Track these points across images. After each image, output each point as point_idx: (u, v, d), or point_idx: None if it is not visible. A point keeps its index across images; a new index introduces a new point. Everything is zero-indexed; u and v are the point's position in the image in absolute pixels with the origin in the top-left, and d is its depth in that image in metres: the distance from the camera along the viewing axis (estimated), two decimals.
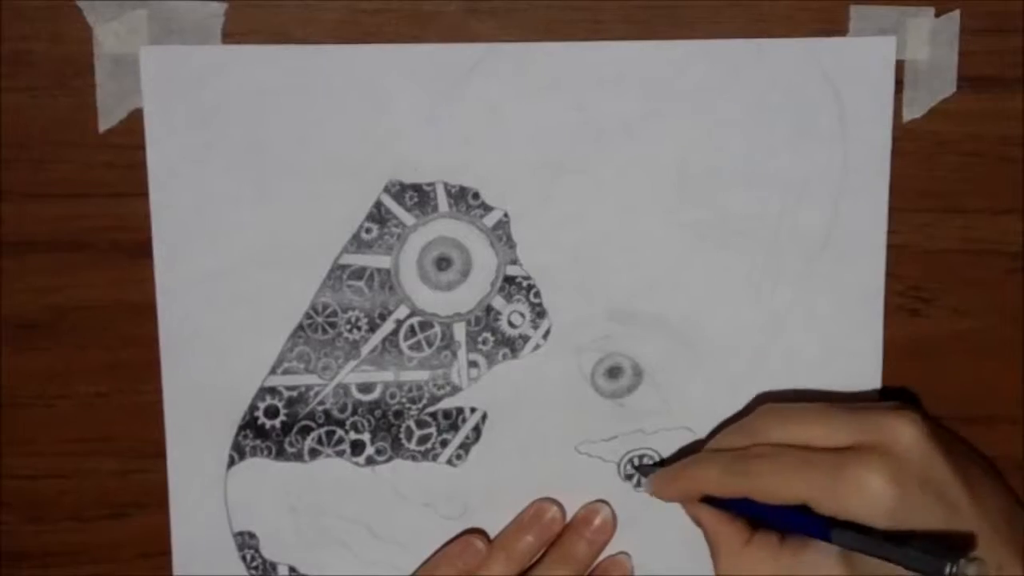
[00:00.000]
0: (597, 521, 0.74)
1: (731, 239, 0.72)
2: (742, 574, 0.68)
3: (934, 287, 0.74)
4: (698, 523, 0.70)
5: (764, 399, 0.73)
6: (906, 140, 0.72)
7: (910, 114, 0.72)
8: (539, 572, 0.73)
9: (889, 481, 0.63)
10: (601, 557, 0.74)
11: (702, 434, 0.74)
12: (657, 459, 0.74)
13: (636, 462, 0.74)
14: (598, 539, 0.74)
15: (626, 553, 0.74)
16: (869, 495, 0.64)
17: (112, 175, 0.70)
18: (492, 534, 0.74)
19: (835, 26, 0.71)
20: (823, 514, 0.65)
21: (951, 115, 0.72)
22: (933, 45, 0.71)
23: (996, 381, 0.75)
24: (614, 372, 0.73)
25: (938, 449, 0.65)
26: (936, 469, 0.65)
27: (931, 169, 0.73)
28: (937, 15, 0.71)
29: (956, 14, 0.71)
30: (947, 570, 0.59)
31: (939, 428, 0.68)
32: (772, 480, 0.66)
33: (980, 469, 0.69)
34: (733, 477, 0.67)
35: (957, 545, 0.64)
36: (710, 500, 0.70)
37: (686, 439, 0.74)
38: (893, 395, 0.74)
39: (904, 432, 0.65)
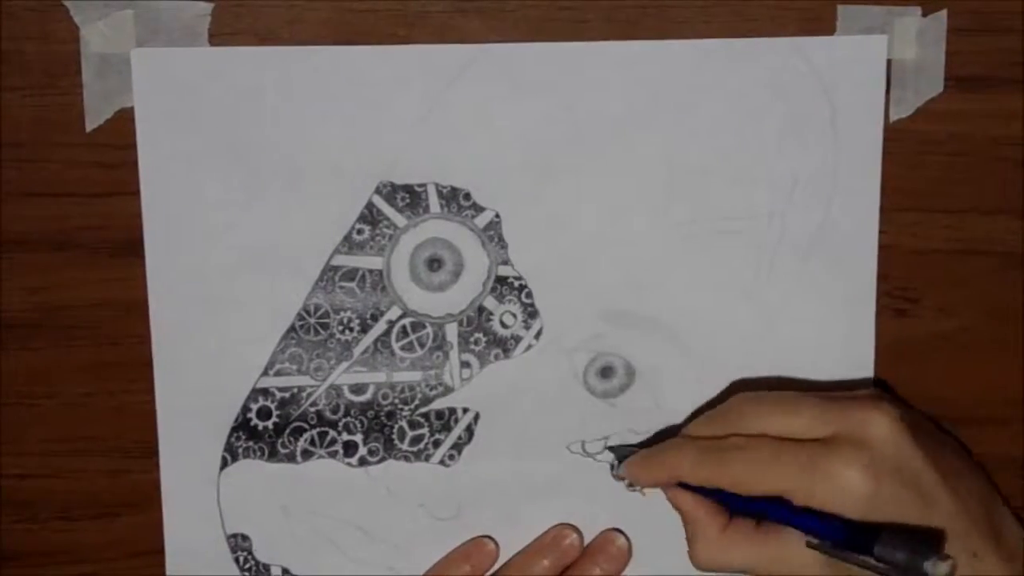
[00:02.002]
0: (612, 549, 0.74)
1: (722, 239, 0.72)
2: (717, 559, 0.69)
3: (920, 287, 0.74)
4: (676, 508, 0.70)
5: (740, 386, 0.73)
6: (893, 140, 0.72)
7: (897, 114, 0.72)
8: None
9: (863, 473, 0.64)
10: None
11: None
12: (633, 445, 0.74)
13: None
14: (612, 568, 0.74)
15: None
16: (844, 487, 0.64)
17: (99, 174, 0.70)
18: (485, 535, 0.74)
19: (822, 26, 0.71)
20: (799, 505, 0.65)
21: (938, 115, 0.72)
22: (920, 45, 0.71)
23: (983, 381, 0.75)
24: (606, 372, 0.73)
25: (912, 439, 0.65)
26: (910, 459, 0.65)
27: (918, 169, 0.73)
28: (924, 15, 0.71)
29: (943, 14, 0.71)
30: (924, 570, 0.60)
31: (913, 414, 0.68)
32: (747, 472, 0.66)
33: (954, 454, 0.69)
34: (708, 468, 0.68)
35: (930, 537, 0.64)
36: (688, 485, 0.70)
37: None
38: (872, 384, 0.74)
39: (878, 423, 0.65)
